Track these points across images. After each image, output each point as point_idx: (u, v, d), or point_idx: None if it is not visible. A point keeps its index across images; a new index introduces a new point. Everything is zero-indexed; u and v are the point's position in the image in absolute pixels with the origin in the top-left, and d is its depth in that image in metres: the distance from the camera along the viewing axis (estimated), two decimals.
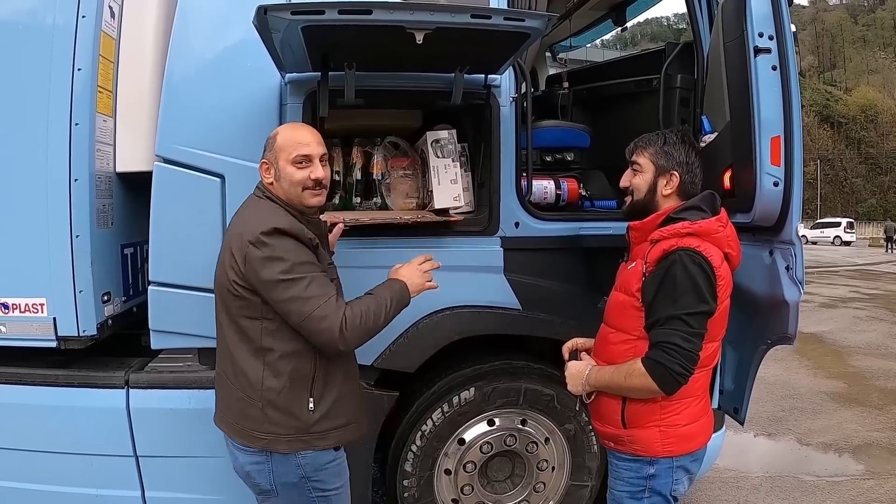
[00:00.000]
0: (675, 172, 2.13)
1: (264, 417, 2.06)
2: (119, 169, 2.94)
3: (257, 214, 2.04)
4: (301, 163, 2.06)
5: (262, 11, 1.91)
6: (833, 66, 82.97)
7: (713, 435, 3.23)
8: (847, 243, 38.04)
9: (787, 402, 6.10)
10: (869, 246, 36.97)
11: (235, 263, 1.98)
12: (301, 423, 2.07)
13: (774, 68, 2.45)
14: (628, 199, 2.24)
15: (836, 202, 62.76)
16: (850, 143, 68.91)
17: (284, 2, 2.01)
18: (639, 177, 2.19)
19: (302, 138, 2.09)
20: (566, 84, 3.71)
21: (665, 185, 2.14)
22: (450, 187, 2.76)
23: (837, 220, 42.63)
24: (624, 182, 2.24)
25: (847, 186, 66.42)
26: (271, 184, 2.12)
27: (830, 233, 39.54)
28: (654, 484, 2.12)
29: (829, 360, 7.81)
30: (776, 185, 2.46)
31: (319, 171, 2.09)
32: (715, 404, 3.08)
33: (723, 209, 2.12)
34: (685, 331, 1.94)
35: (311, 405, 2.07)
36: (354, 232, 2.59)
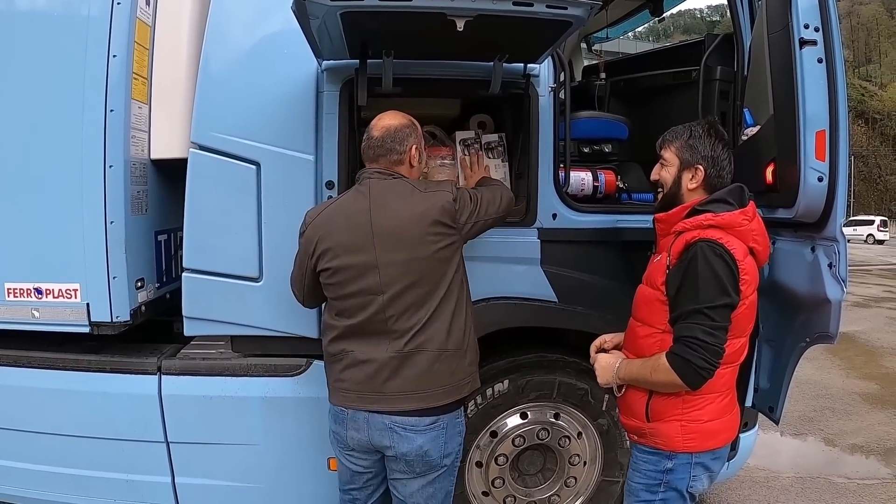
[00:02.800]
0: (700, 166, 2.12)
1: (467, 362, 2.33)
2: (154, 156, 2.97)
3: (429, 188, 2.31)
4: None
5: None
6: (868, 60, 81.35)
7: (746, 434, 3.23)
8: (880, 242, 37.29)
9: (818, 402, 6.01)
10: None
11: (447, 227, 2.22)
12: (478, 357, 2.42)
13: (820, 61, 2.38)
14: (659, 194, 2.26)
15: (869, 200, 61.59)
16: (885, 140, 67.55)
17: None
18: (665, 171, 2.20)
19: None
20: (603, 75, 3.66)
21: (690, 179, 2.15)
22: None
23: (871, 217, 41.73)
24: (653, 176, 2.26)
25: (881, 184, 65.14)
26: (414, 167, 2.35)
27: (864, 231, 38.78)
28: (671, 478, 2.12)
29: (861, 360, 7.69)
30: (820, 180, 2.40)
31: None
32: (749, 402, 3.04)
33: (751, 203, 2.11)
34: (707, 324, 1.93)
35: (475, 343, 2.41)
36: None
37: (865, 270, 19.64)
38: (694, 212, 2.08)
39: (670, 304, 2.04)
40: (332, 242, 2.24)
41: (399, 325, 2.23)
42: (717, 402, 2.09)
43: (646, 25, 4.76)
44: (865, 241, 37.36)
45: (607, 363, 2.24)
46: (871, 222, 39.80)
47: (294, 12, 2.03)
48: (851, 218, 44.08)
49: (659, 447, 2.12)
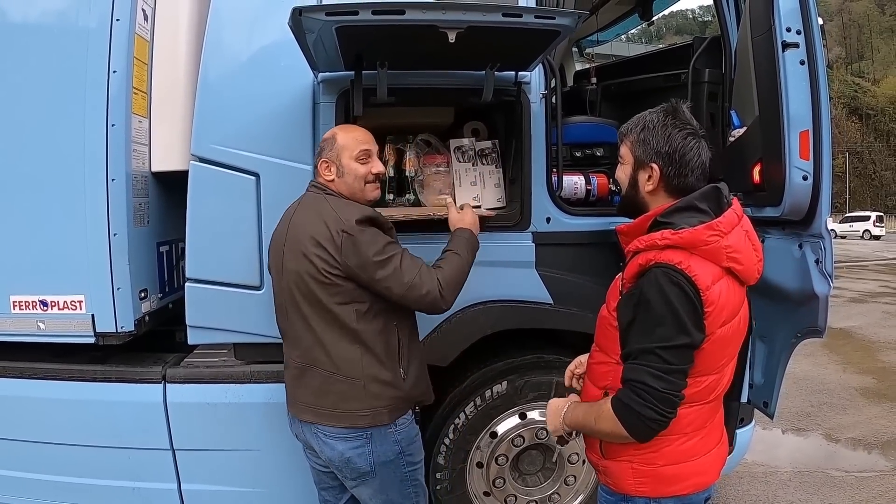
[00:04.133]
0: (654, 165, 1.76)
1: (367, 394, 2.19)
2: (154, 168, 3.00)
3: (336, 207, 2.17)
4: (363, 159, 2.26)
5: (297, 13, 1.94)
6: (861, 56, 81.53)
7: (743, 430, 3.28)
8: (876, 237, 37.36)
9: (816, 398, 6.06)
10: None
11: (326, 253, 2.10)
12: (400, 392, 2.24)
13: (802, 63, 2.45)
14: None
15: (865, 196, 61.73)
16: (879, 136, 67.71)
17: (317, 3, 2.04)
18: (621, 169, 1.88)
19: (361, 137, 2.28)
20: (594, 79, 3.72)
21: (647, 181, 1.79)
22: (469, 189, 2.87)
23: (867, 213, 41.81)
24: (616, 175, 1.94)
25: (876, 179, 65.28)
26: (332, 181, 2.26)
27: (860, 226, 38.86)
28: None
29: (858, 355, 7.75)
30: (805, 178, 2.47)
31: (379, 166, 2.31)
32: (745, 398, 3.08)
33: (730, 210, 1.72)
34: (657, 367, 1.60)
35: (402, 374, 2.24)
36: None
37: (862, 266, 19.72)
38: (655, 224, 1.73)
39: (620, 337, 1.74)
40: (271, 243, 2.36)
41: (298, 335, 2.26)
42: (676, 445, 1.75)
43: (637, 28, 4.79)
44: (862, 237, 37.45)
45: (556, 408, 1.94)
46: (866, 218, 39.88)
47: (290, 27, 2.08)
48: (847, 214, 44.23)
49: (611, 487, 1.88)
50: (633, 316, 1.67)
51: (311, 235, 2.13)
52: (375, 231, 2.13)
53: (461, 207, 2.48)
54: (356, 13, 1.92)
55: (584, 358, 2.14)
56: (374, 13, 1.92)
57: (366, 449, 2.22)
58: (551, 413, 1.96)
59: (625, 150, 1.85)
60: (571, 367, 2.20)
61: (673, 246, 1.64)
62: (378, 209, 2.46)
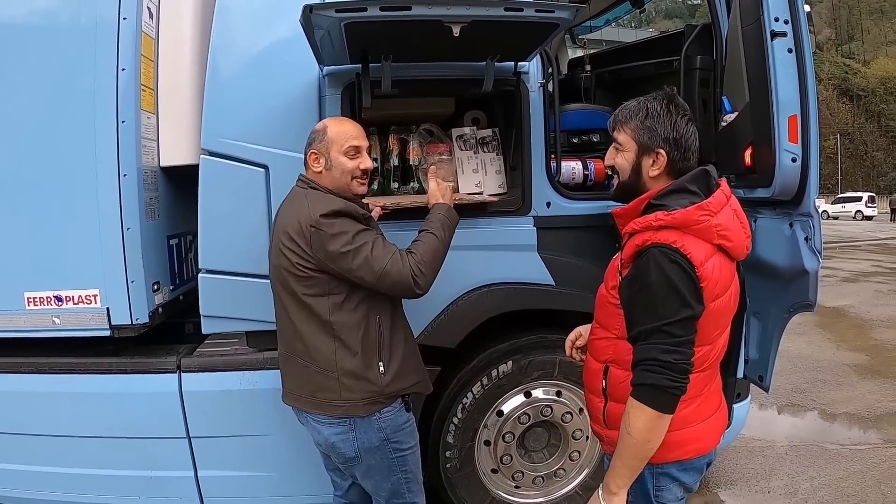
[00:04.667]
0: (662, 150, 1.82)
1: (341, 386, 2.22)
2: (163, 163, 3.07)
3: (310, 201, 2.18)
4: (352, 154, 2.26)
5: (308, 10, 2.01)
6: (851, 38, 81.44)
7: (739, 404, 3.38)
8: (869, 218, 37.58)
9: (810, 375, 6.17)
10: (891, 220, 36.49)
11: (298, 247, 2.13)
12: (375, 387, 2.24)
13: (790, 51, 2.56)
14: (616, 180, 2.00)
15: (856, 176, 61.83)
16: (870, 117, 67.70)
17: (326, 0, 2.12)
18: (621, 156, 1.91)
19: (351, 131, 2.28)
20: (588, 67, 3.80)
21: (651, 166, 1.85)
22: (472, 176, 2.94)
23: (859, 194, 41.96)
24: (608, 161, 1.98)
25: (868, 160, 65.37)
26: (319, 173, 2.28)
27: (852, 207, 39.09)
28: (635, 486, 1.87)
29: (851, 333, 7.86)
30: (794, 160, 2.58)
31: (368, 162, 2.31)
32: (740, 374, 3.18)
33: (719, 191, 1.81)
34: (668, 343, 1.69)
35: (381, 369, 2.24)
36: (393, 216, 2.71)
37: (854, 246, 19.87)
38: (650, 206, 1.80)
39: (626, 319, 1.81)
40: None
41: (282, 326, 2.33)
42: (676, 412, 1.78)
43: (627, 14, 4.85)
44: (854, 218, 37.68)
45: (594, 496, 1.87)
46: (858, 199, 40.09)
47: (301, 24, 2.15)
48: (839, 195, 44.42)
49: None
50: (636, 297, 1.75)
51: (286, 230, 2.17)
52: (343, 221, 2.13)
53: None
54: (364, 9, 2.00)
55: (583, 329, 2.23)
56: (381, 9, 2.00)
57: (350, 435, 2.27)
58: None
59: (625, 138, 1.88)
60: (571, 337, 2.30)
61: (667, 226, 1.72)
62: (384, 198, 2.53)
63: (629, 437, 1.76)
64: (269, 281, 2.76)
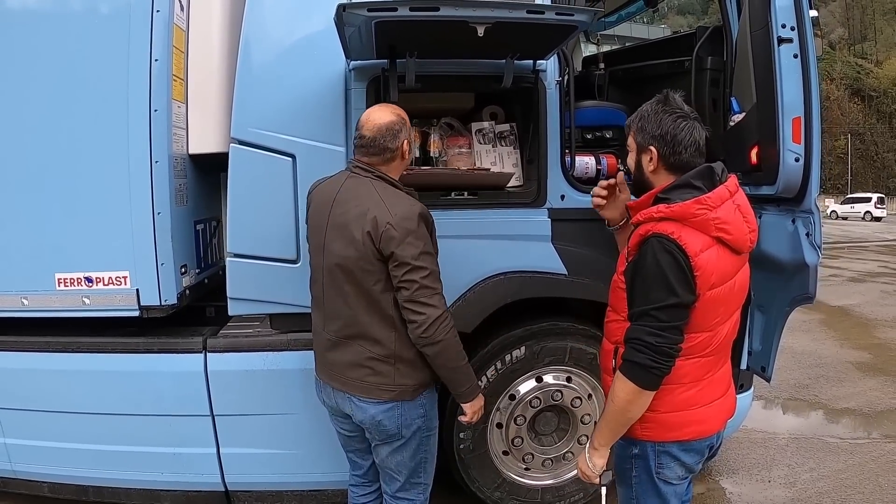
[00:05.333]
0: (651, 147, 1.99)
1: (396, 372, 2.32)
2: (192, 151, 3.17)
3: (385, 197, 2.24)
4: None
5: (342, 8, 2.13)
6: (864, 38, 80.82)
7: (742, 395, 3.47)
8: (878, 219, 37.39)
9: (813, 371, 6.27)
10: None
11: (372, 245, 2.19)
12: (427, 377, 2.37)
13: (795, 56, 2.71)
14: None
15: (867, 177, 61.37)
16: (882, 117, 67.11)
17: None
18: (629, 156, 2.12)
19: None
20: (602, 65, 3.90)
21: (648, 162, 2.02)
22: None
23: (868, 195, 41.73)
24: (627, 161, 2.20)
25: (878, 161, 64.89)
26: (401, 161, 2.36)
27: (861, 208, 38.88)
28: (639, 463, 2.07)
29: (855, 331, 7.94)
30: (797, 160, 2.73)
31: None
32: (744, 365, 3.29)
33: (723, 186, 1.93)
34: (653, 326, 1.84)
35: None
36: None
37: (862, 247, 19.88)
38: (657, 200, 1.95)
39: (627, 301, 1.97)
40: (310, 215, 2.45)
41: (333, 310, 2.37)
42: (677, 394, 1.98)
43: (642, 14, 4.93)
44: (863, 219, 37.51)
45: (581, 456, 2.13)
46: (868, 199, 39.85)
47: (335, 22, 2.26)
48: (849, 196, 44.18)
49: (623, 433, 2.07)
50: (635, 281, 1.92)
51: (359, 223, 2.20)
52: (421, 233, 2.20)
53: None
54: (395, 9, 2.11)
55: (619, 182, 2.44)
56: (411, 9, 2.11)
57: (395, 412, 2.34)
58: (581, 461, 2.12)
59: (630, 140, 2.09)
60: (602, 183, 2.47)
61: (667, 218, 1.87)
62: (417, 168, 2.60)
63: (612, 404, 1.96)
64: (294, 266, 2.90)
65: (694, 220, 1.85)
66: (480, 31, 2.18)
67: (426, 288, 2.18)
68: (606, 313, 2.19)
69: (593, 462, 2.06)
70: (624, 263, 2.01)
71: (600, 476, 2.07)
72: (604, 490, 2.18)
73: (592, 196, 2.50)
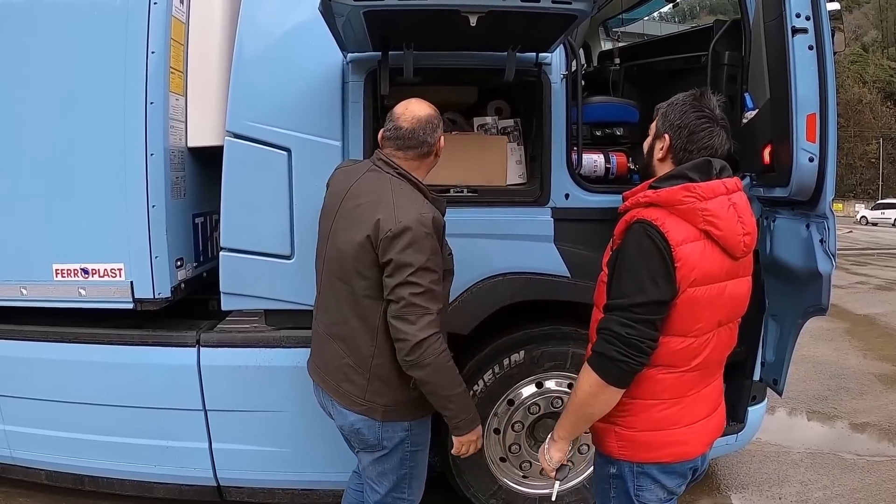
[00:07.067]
0: (667, 135, 1.90)
1: (369, 386, 2.18)
2: (190, 144, 3.15)
3: (398, 200, 2.08)
4: None
5: None
6: None
7: (755, 407, 3.35)
8: None
9: (834, 382, 6.08)
10: None
11: (371, 247, 2.05)
12: (402, 398, 2.19)
13: (811, 48, 2.54)
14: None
15: None
16: None
17: None
18: (647, 140, 2.03)
19: None
20: (617, 60, 3.79)
21: (659, 149, 1.94)
22: None
23: None
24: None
25: None
26: (435, 159, 2.23)
27: (892, 214, 37.99)
28: (618, 483, 1.96)
29: (880, 342, 7.70)
30: (811, 160, 2.56)
31: None
32: (756, 376, 3.18)
33: (721, 181, 1.83)
34: (626, 317, 1.74)
35: (412, 383, 2.14)
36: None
37: (891, 254, 19.39)
38: (650, 189, 1.87)
39: (606, 292, 1.88)
40: (325, 197, 2.34)
41: (326, 302, 2.27)
42: (655, 411, 1.87)
43: (669, 8, 4.80)
44: (893, 225, 36.74)
45: (542, 447, 2.06)
46: None
47: (321, 11, 2.19)
48: (880, 201, 43.31)
49: (600, 449, 2.02)
50: (615, 268, 1.83)
51: (364, 224, 2.06)
52: (425, 246, 2.03)
53: None
54: None
55: None
56: None
57: (376, 423, 2.22)
58: (540, 452, 2.06)
59: (653, 123, 1.99)
60: None
61: (653, 203, 1.79)
62: None
63: (574, 396, 1.90)
64: (288, 261, 2.86)
65: (681, 207, 1.76)
66: (473, 20, 2.08)
67: (415, 306, 2.00)
68: (592, 313, 2.06)
69: (550, 455, 2.00)
70: (609, 253, 1.93)
71: (556, 470, 2.01)
72: (557, 484, 2.10)
73: None
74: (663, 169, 1.92)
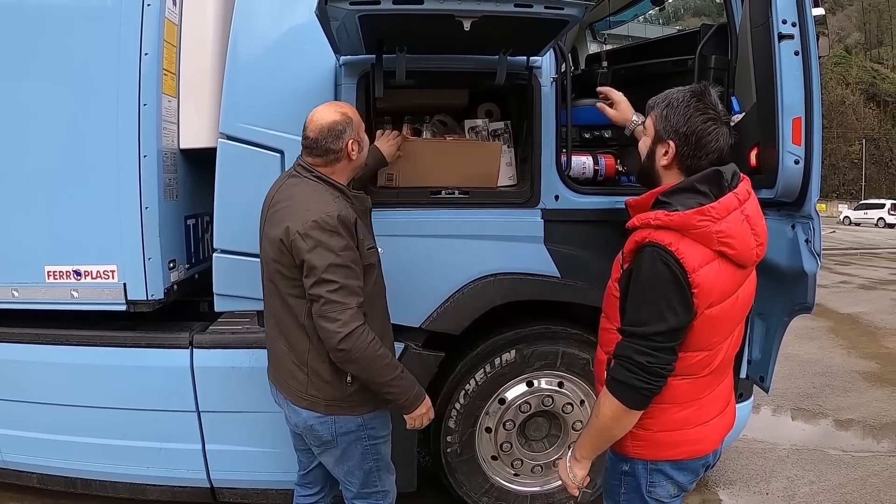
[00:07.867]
0: (671, 142, 1.81)
1: (308, 381, 2.24)
2: (183, 145, 3.15)
3: (307, 201, 2.15)
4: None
5: (323, 2, 2.06)
6: (880, 42, 79.83)
7: (741, 405, 3.39)
8: (891, 225, 36.85)
9: (819, 380, 6.16)
10: None
11: (287, 249, 2.11)
12: (338, 394, 2.24)
13: (797, 53, 2.61)
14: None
15: (881, 183, 60.58)
16: None
17: None
18: (643, 139, 1.94)
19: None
20: (605, 63, 3.82)
21: (663, 155, 1.84)
22: None
23: (882, 201, 41.25)
24: (639, 145, 2.01)
25: (893, 167, 63.87)
26: (348, 161, 2.25)
27: (874, 214, 38.46)
28: (629, 480, 1.96)
29: (863, 340, 7.81)
30: (797, 162, 2.63)
31: None
32: (743, 374, 3.21)
33: (734, 192, 1.77)
34: (643, 345, 1.71)
35: (348, 379, 2.21)
36: (408, 203, 2.79)
37: (874, 254, 19.63)
38: (657, 203, 1.81)
39: (619, 311, 1.86)
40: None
41: (267, 305, 2.34)
42: (671, 413, 1.86)
43: (655, 10, 4.86)
44: (876, 225, 37.15)
45: (561, 463, 2.01)
46: (881, 206, 39.44)
47: (316, 15, 2.21)
48: (862, 201, 43.76)
49: (614, 449, 1.98)
50: (627, 292, 1.79)
51: (279, 228, 2.13)
52: (333, 244, 2.07)
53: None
54: (378, 2, 2.04)
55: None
56: (394, 2, 2.04)
57: (328, 419, 2.26)
58: (561, 468, 2.00)
59: (649, 122, 1.90)
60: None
61: (665, 227, 1.72)
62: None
63: (596, 419, 1.86)
64: None
65: (695, 231, 1.70)
66: (467, 25, 2.10)
67: (334, 303, 2.05)
68: (601, 319, 2.07)
69: (574, 473, 1.96)
70: (619, 270, 1.88)
71: (580, 488, 1.98)
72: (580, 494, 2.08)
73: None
74: (669, 177, 1.86)
